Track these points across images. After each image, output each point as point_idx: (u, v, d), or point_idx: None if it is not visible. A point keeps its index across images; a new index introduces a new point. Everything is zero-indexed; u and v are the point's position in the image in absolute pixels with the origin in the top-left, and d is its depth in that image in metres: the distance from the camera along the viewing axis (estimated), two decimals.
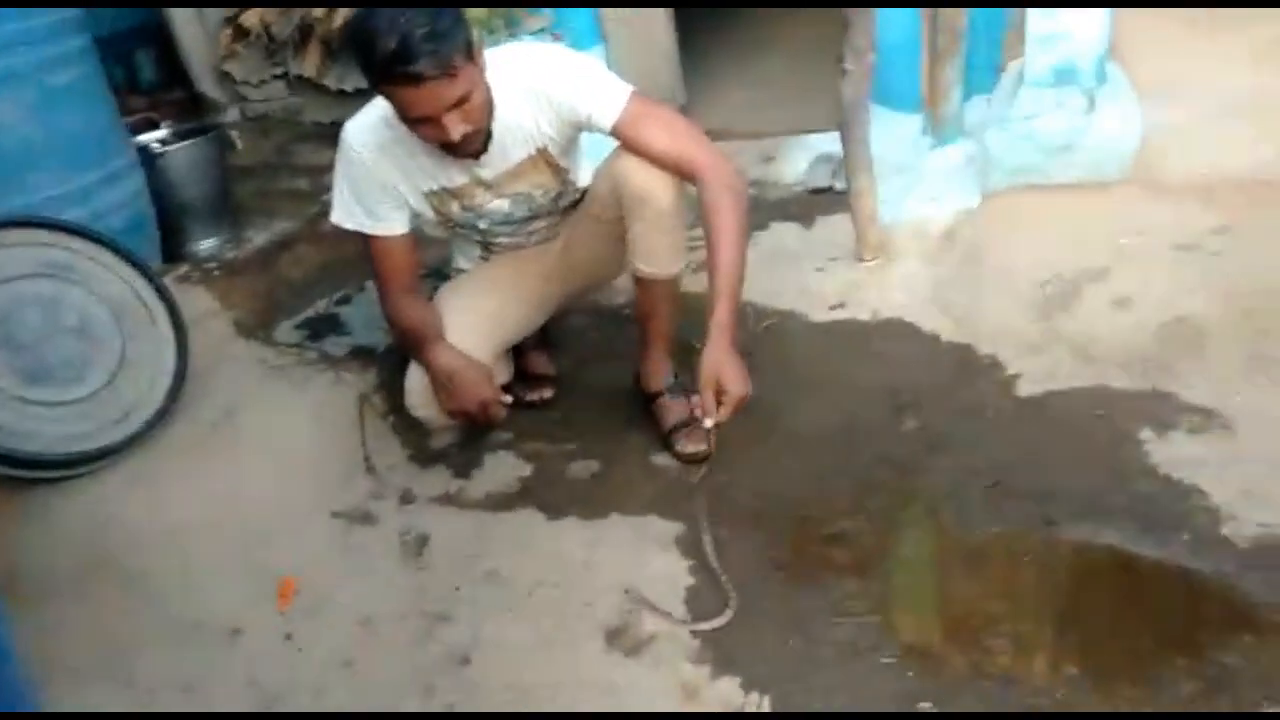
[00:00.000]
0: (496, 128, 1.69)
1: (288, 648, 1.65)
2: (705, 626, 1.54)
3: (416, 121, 1.55)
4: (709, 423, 1.60)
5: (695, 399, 1.65)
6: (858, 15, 2.06)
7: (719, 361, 1.57)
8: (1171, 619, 1.45)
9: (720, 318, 1.59)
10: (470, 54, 1.53)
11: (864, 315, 2.23)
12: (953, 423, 1.89)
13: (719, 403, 1.58)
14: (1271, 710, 1.27)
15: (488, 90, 1.61)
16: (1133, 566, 1.52)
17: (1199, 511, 1.58)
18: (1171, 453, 1.70)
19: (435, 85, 1.47)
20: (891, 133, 2.83)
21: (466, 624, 1.64)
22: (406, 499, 1.96)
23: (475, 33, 1.58)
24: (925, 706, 1.35)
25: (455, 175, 1.76)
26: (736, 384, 1.57)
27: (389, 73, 1.46)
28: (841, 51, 2.12)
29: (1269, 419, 1.71)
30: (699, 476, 1.84)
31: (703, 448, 1.89)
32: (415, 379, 1.84)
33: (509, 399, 1.88)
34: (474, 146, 1.65)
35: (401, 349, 2.01)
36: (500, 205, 1.84)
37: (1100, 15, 2.15)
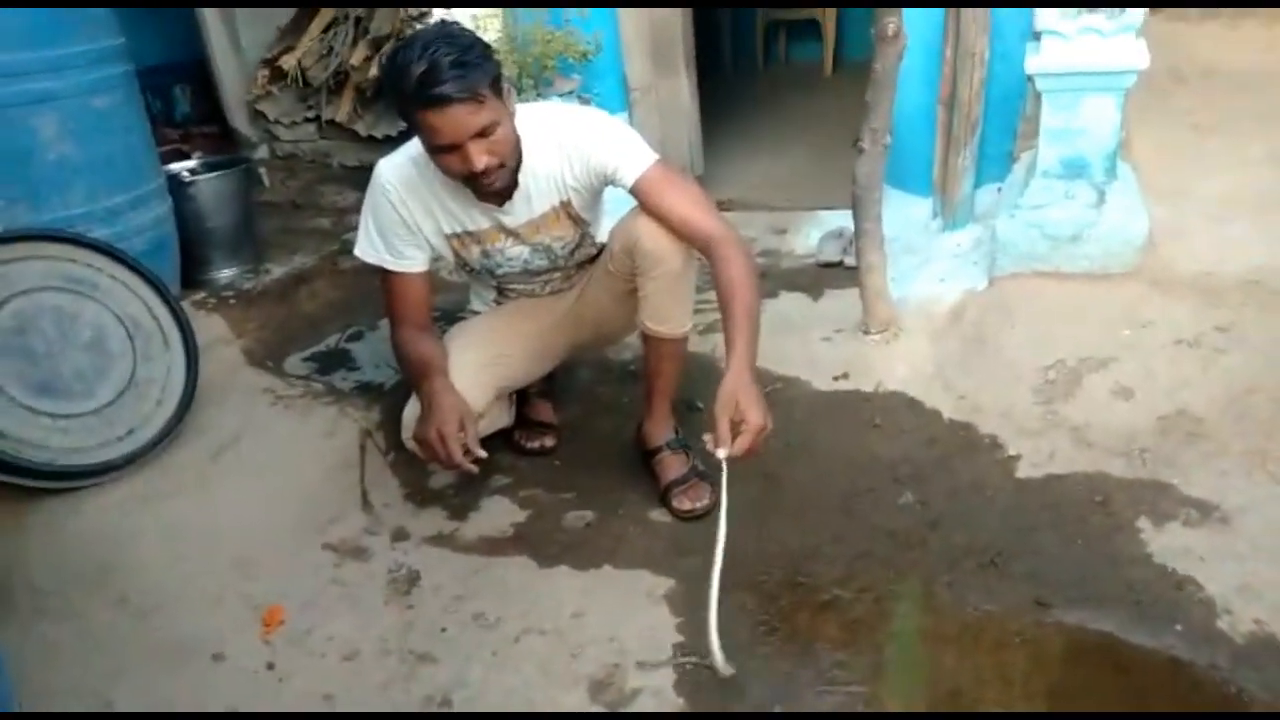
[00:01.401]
0: (523, 177, 1.74)
1: (268, 677, 1.63)
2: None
3: (442, 150, 1.59)
4: (722, 453, 1.50)
5: (707, 437, 1.53)
6: (877, 99, 2.13)
7: (737, 389, 1.51)
8: (1161, 709, 1.43)
9: (739, 352, 1.56)
10: (498, 89, 1.59)
11: (867, 387, 2.25)
12: (951, 499, 1.89)
13: (735, 433, 1.50)
14: None
15: (515, 132, 1.66)
16: (1124, 654, 1.52)
17: (1194, 604, 1.58)
18: (1168, 543, 1.70)
19: (460, 109, 1.53)
20: (903, 214, 2.90)
21: (450, 666, 1.62)
22: (400, 536, 1.95)
23: (506, 77, 1.63)
24: None
25: (479, 219, 1.81)
26: (755, 413, 1.49)
27: (417, 96, 1.52)
28: (859, 132, 2.18)
29: (1266, 516, 1.71)
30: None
31: (700, 505, 1.90)
32: (411, 411, 1.85)
33: (482, 453, 1.73)
34: (498, 183, 1.68)
35: (407, 381, 2.02)
36: (520, 252, 1.88)
37: (1112, 113, 2.21)
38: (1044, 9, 2.16)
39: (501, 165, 1.64)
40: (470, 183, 1.67)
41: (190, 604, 1.79)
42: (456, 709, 1.54)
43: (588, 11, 3.22)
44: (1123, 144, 2.35)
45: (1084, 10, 2.12)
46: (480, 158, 1.59)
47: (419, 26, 3.10)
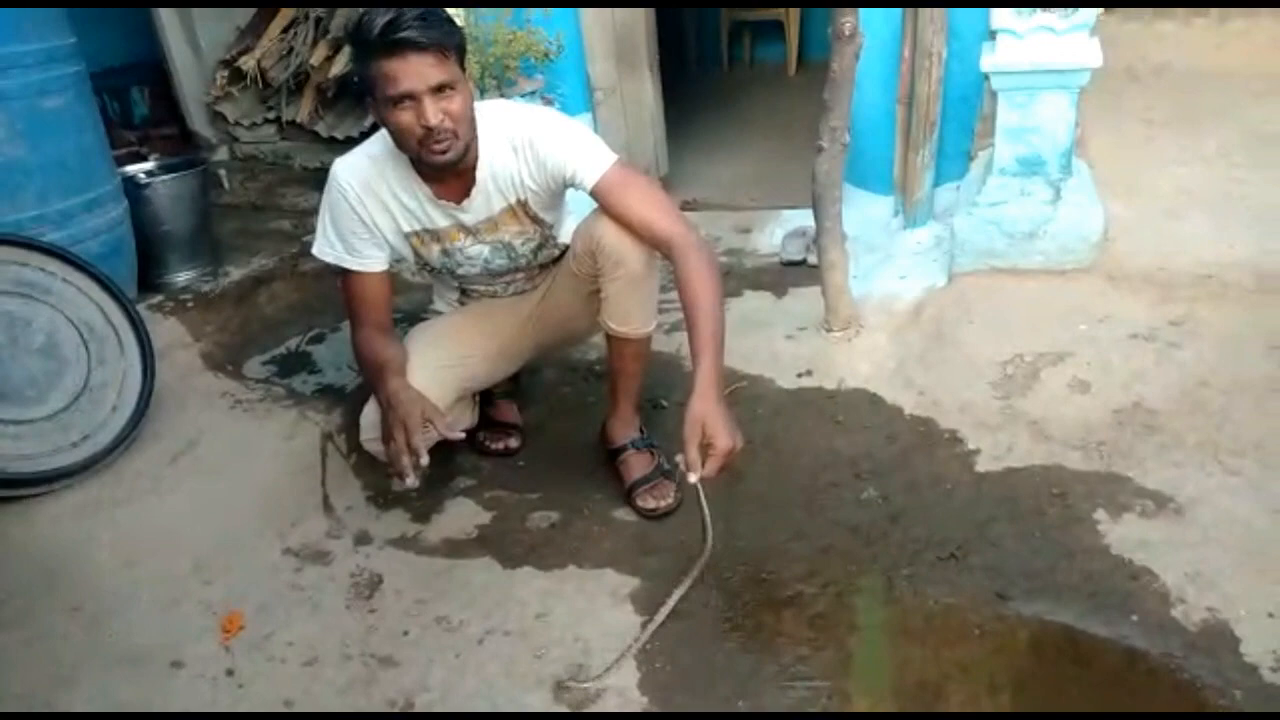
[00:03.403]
0: (481, 174, 1.73)
1: (228, 683, 1.61)
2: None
3: (397, 102, 1.57)
4: (693, 478, 1.52)
5: (679, 458, 1.55)
6: (835, 98, 2.14)
7: (704, 413, 1.51)
8: (1118, 698, 1.45)
9: (705, 371, 1.56)
10: (460, 59, 1.61)
11: (830, 384, 2.27)
12: (911, 494, 1.91)
13: (705, 457, 1.52)
14: None
15: (471, 109, 1.66)
16: (1082, 645, 1.53)
17: (1149, 593, 1.60)
18: (1124, 534, 1.73)
19: (421, 59, 1.53)
20: (864, 213, 2.93)
21: (413, 669, 1.61)
22: (362, 540, 1.94)
23: (468, 60, 1.64)
24: None
25: (437, 218, 1.79)
26: (723, 436, 1.50)
27: (379, 41, 1.52)
28: (819, 131, 2.19)
29: (1219, 506, 1.74)
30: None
31: (664, 503, 1.90)
32: (370, 412, 1.83)
33: (459, 435, 1.73)
34: (450, 153, 1.63)
35: (366, 383, 2.01)
36: (480, 251, 1.87)
37: (1067, 110, 2.24)
38: (998, 8, 2.19)
39: (455, 134, 1.62)
40: (423, 152, 1.63)
41: (146, 610, 1.76)
42: (419, 711, 1.52)
43: (550, 11, 3.21)
44: (1078, 142, 2.38)
45: (1037, 9, 2.15)
46: (436, 113, 1.57)
47: None
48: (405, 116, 1.59)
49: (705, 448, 1.51)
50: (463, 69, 1.62)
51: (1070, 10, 2.12)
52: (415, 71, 1.54)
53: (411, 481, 1.61)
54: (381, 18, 1.52)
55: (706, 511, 1.60)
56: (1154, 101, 2.83)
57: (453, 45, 1.58)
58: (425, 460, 1.62)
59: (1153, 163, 2.57)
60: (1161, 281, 2.26)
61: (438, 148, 1.62)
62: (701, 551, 1.70)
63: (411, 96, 1.56)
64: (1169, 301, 2.21)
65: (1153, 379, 2.05)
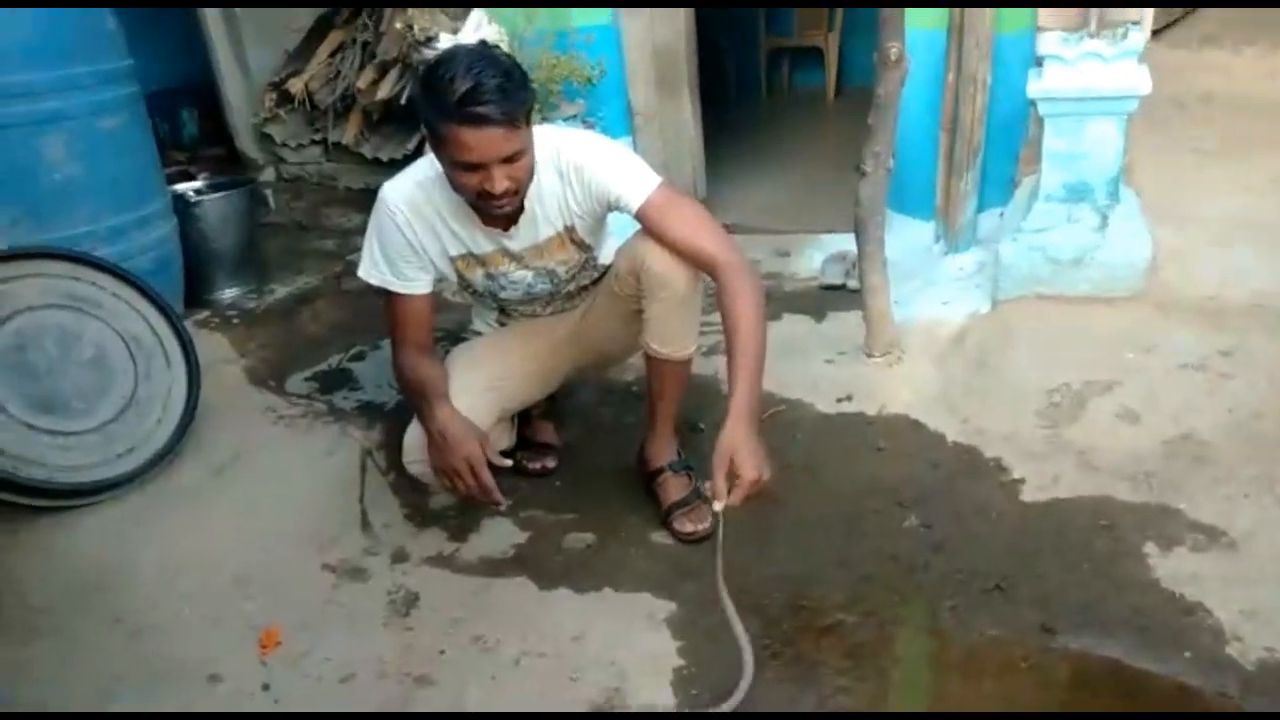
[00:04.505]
0: (529, 202, 1.73)
1: (264, 698, 1.61)
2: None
3: (465, 168, 1.58)
4: (718, 506, 1.51)
5: (706, 485, 1.55)
6: (879, 123, 2.14)
7: (735, 443, 1.50)
8: None
9: (739, 400, 1.54)
10: (529, 119, 1.60)
11: (871, 410, 2.24)
12: (955, 523, 1.88)
13: (731, 486, 1.50)
14: None
15: (534, 160, 1.67)
16: (1132, 680, 1.49)
17: (1202, 630, 1.56)
18: (1175, 568, 1.68)
19: (495, 133, 1.53)
20: (905, 239, 2.91)
21: (448, 689, 1.60)
22: (399, 557, 1.94)
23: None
24: None
25: (483, 243, 1.81)
26: (749, 468, 1.49)
27: (455, 111, 1.51)
28: (862, 155, 2.19)
29: (1275, 541, 1.70)
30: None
31: (702, 527, 1.88)
32: (413, 435, 1.84)
33: (507, 463, 1.80)
34: (508, 208, 1.68)
35: (407, 404, 2.02)
36: (523, 276, 1.88)
37: (1115, 136, 2.22)
38: (1046, 34, 2.17)
39: (516, 191, 1.64)
40: (480, 203, 1.67)
41: (186, 624, 1.77)
42: (418, 712, 1.52)
43: (593, 37, 3.25)
44: (1125, 169, 2.35)
45: (1085, 36, 2.13)
46: (501, 182, 1.58)
47: (426, 52, 3.13)
48: (469, 179, 1.60)
49: (733, 476, 1.50)
50: (529, 118, 1.60)
51: (1120, 37, 2.11)
52: (489, 145, 1.54)
53: (501, 500, 1.76)
54: (462, 83, 1.49)
55: (720, 541, 1.56)
56: (1202, 130, 2.79)
57: (525, 110, 1.57)
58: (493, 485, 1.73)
59: (1201, 191, 2.53)
60: (1211, 311, 2.22)
61: (496, 206, 1.64)
62: (714, 585, 1.60)
63: (480, 166, 1.58)
64: (1220, 331, 2.17)
65: (1204, 410, 2.00)
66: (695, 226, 1.71)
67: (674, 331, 1.81)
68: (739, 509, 1.52)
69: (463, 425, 1.73)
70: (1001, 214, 2.72)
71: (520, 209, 1.74)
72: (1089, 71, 2.16)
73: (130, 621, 1.77)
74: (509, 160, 1.58)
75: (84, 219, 2.28)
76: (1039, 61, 2.24)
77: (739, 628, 1.52)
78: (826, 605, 1.71)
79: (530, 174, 1.67)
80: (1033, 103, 2.27)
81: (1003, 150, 2.74)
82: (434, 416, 1.74)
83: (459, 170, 1.61)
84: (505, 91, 1.51)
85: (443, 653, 1.68)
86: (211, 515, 2.01)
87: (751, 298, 1.64)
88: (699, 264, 1.71)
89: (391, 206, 1.77)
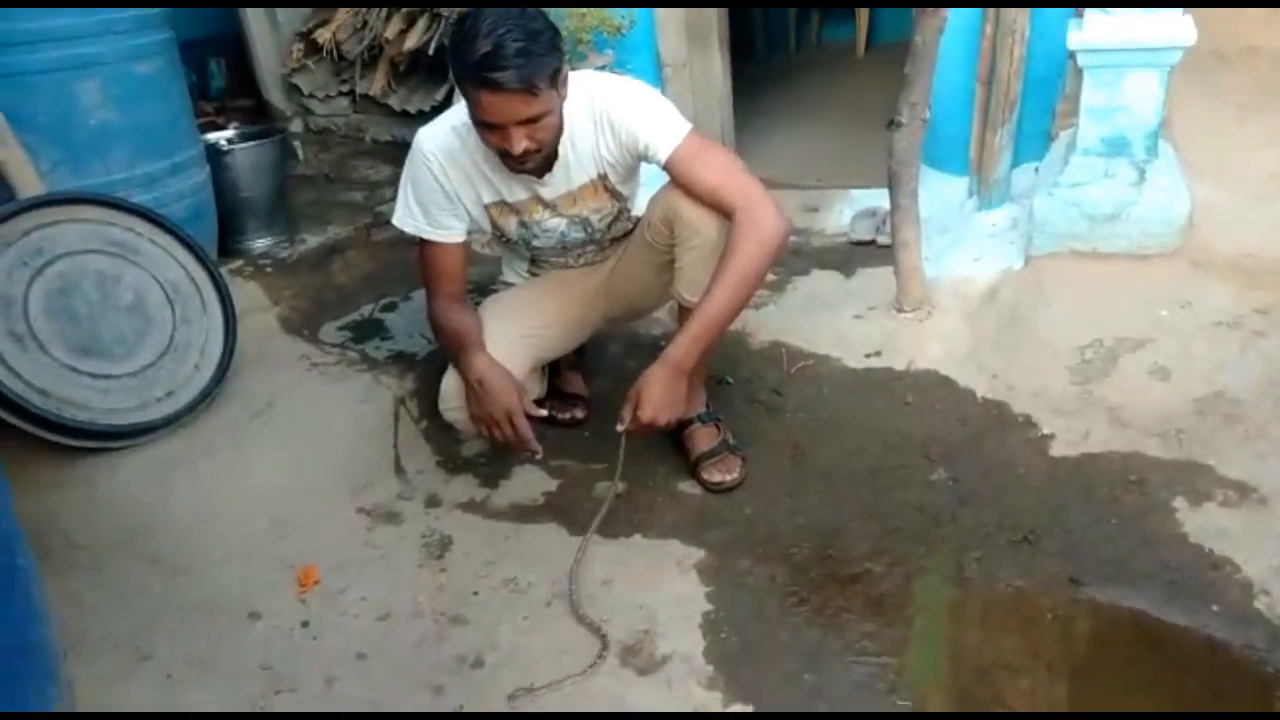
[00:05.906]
0: (563, 149, 1.73)
1: (303, 635, 1.66)
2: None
3: (486, 126, 1.60)
4: (619, 427, 1.72)
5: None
6: (916, 73, 2.11)
7: (645, 384, 1.68)
8: (1195, 688, 1.43)
9: (672, 348, 1.69)
10: (555, 81, 1.58)
11: (899, 365, 2.24)
12: (983, 477, 1.88)
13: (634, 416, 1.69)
14: None
15: (560, 119, 1.66)
16: (1158, 632, 1.51)
17: (1230, 584, 1.57)
18: (1204, 523, 1.69)
19: (511, 98, 1.52)
20: (938, 194, 2.87)
21: (481, 628, 1.64)
22: (432, 502, 1.97)
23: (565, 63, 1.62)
24: None
25: (517, 190, 1.81)
26: (646, 410, 1.67)
27: (474, 73, 1.51)
28: (898, 106, 2.16)
29: None
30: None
31: (730, 477, 1.91)
32: (450, 382, 1.86)
33: (542, 412, 1.84)
34: (530, 165, 1.69)
35: (442, 353, 2.04)
36: (557, 224, 1.88)
37: (1156, 90, 2.18)
38: None
39: (539, 150, 1.64)
40: (504, 160, 1.68)
41: (224, 564, 1.82)
42: (486, 671, 1.55)
43: None
44: (1164, 123, 2.31)
45: None
46: (520, 143, 1.58)
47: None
48: (491, 137, 1.61)
49: (635, 409, 1.69)
50: (557, 81, 1.59)
51: None
52: (505, 108, 1.54)
53: (538, 448, 1.80)
54: (482, 44, 1.48)
55: (621, 459, 1.80)
56: (1243, 84, 2.73)
57: (549, 75, 1.55)
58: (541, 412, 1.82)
59: (1241, 146, 2.48)
60: (1248, 268, 2.19)
61: (519, 164, 1.66)
62: (612, 493, 1.84)
63: (499, 125, 1.58)
64: (1256, 289, 2.14)
65: (1236, 368, 1.99)
66: (722, 173, 1.71)
67: (705, 280, 1.81)
68: (640, 437, 1.76)
69: (501, 375, 1.76)
70: (1036, 169, 2.68)
71: (554, 156, 1.74)
72: (1131, 22, 2.12)
73: (168, 560, 1.82)
74: (529, 121, 1.57)
75: (119, 165, 2.30)
76: (1079, 12, 2.20)
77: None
78: (853, 555, 1.73)
79: (557, 133, 1.68)
80: (1072, 54, 2.23)
81: (1038, 104, 2.68)
82: (472, 366, 1.76)
83: (480, 127, 1.62)
84: (527, 55, 1.50)
85: (476, 594, 1.72)
86: (247, 459, 2.05)
87: (746, 258, 1.66)
88: (721, 209, 1.71)
89: (426, 153, 1.78)
